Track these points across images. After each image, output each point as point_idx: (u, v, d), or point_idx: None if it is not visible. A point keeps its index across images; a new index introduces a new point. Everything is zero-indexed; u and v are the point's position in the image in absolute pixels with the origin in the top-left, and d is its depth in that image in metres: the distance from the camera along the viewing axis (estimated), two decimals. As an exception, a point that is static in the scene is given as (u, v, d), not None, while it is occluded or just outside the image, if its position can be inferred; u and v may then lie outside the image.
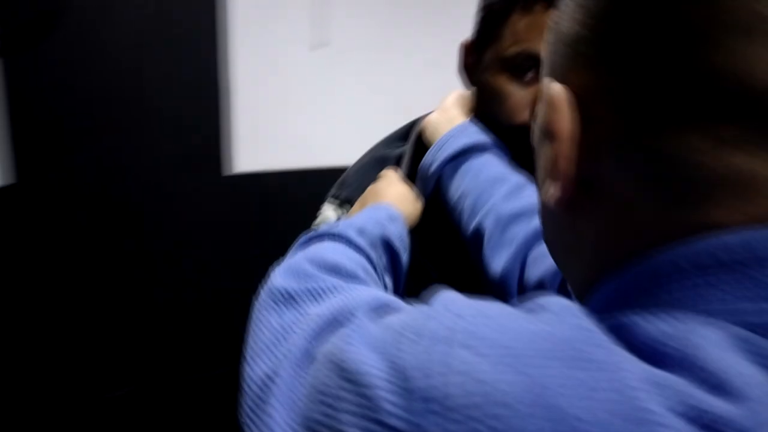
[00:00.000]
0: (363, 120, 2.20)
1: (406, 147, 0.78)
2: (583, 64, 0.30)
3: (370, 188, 0.71)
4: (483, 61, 0.68)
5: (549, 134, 0.31)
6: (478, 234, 0.63)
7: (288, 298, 0.39)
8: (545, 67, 0.34)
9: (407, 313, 0.30)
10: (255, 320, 0.40)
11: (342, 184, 0.77)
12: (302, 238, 0.55)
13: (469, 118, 0.72)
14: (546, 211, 0.35)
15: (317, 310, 0.36)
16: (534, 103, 0.65)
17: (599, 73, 0.29)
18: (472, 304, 0.28)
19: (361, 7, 2.11)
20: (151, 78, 1.74)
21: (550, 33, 0.34)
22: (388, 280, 0.57)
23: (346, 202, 0.75)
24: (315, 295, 0.39)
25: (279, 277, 0.43)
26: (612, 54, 0.28)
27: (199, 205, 1.90)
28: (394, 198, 0.67)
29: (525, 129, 0.64)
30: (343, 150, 2.10)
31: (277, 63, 1.94)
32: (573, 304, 0.27)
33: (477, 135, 0.68)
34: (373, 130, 2.38)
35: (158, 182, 1.81)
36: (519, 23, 0.63)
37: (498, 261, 0.61)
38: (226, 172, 1.91)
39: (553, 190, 0.31)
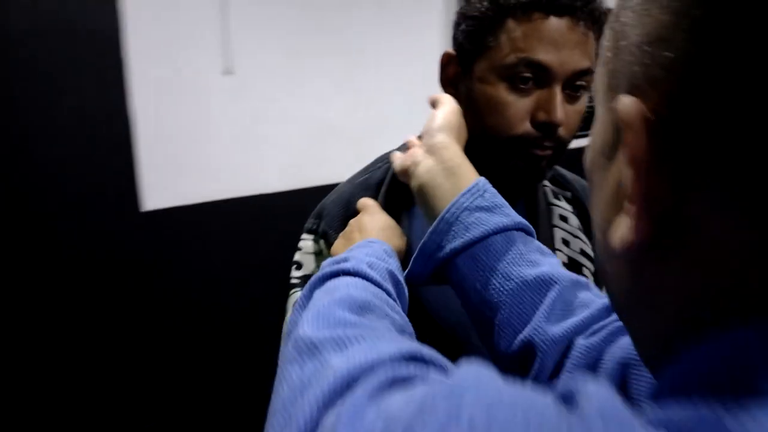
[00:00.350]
0: (277, 146, 2.18)
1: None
2: (664, 70, 0.23)
3: (354, 222, 0.68)
4: (473, 71, 0.66)
5: (618, 160, 0.26)
6: (525, 358, 0.50)
7: (312, 348, 0.36)
8: (605, 79, 0.28)
9: (419, 396, 0.25)
10: (278, 374, 0.37)
11: (319, 216, 0.74)
12: (315, 277, 0.52)
13: (471, 171, 0.59)
14: (612, 254, 0.28)
15: (337, 362, 0.32)
16: (532, 113, 0.63)
17: (688, 81, 0.22)
18: (506, 398, 0.23)
19: (267, 32, 2.10)
20: (56, 116, 1.66)
21: (611, 35, 0.28)
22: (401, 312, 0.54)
23: (322, 235, 0.73)
24: (339, 343, 0.35)
25: (306, 324, 0.39)
26: (708, 55, 0.21)
27: (116, 243, 1.79)
28: (381, 232, 0.64)
29: (524, 140, 0.64)
30: (260, 177, 2.11)
31: (185, 91, 1.89)
32: (618, 402, 0.21)
33: (495, 213, 0.54)
34: (288, 155, 2.29)
35: (71, 219, 1.72)
36: (516, 31, 0.62)
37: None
38: (141, 209, 1.82)
39: (626, 230, 0.25)
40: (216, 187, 2.03)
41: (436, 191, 0.57)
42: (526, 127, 0.64)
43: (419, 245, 0.57)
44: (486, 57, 0.64)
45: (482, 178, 0.57)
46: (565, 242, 0.76)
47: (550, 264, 0.52)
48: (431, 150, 0.61)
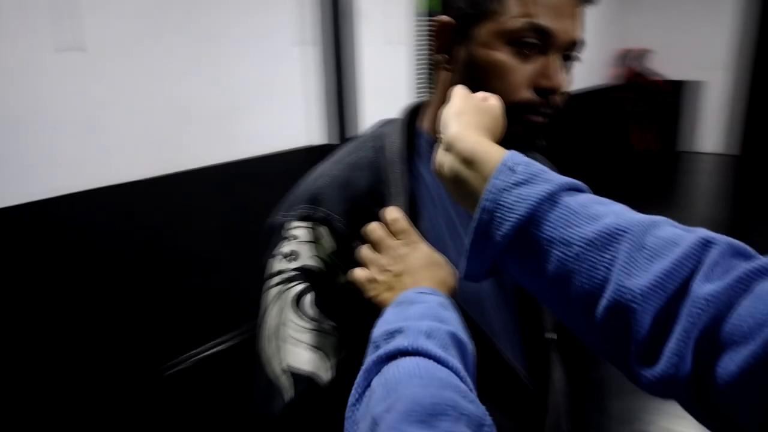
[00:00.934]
0: (125, 132, 2.07)
1: (385, 161, 0.71)
2: None
3: (394, 254, 0.62)
4: (474, 36, 0.66)
5: None
6: (612, 322, 0.42)
7: None
8: None
9: None
10: None
11: (314, 201, 0.70)
12: (370, 360, 0.47)
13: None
14: None
15: None
16: (533, 79, 0.64)
17: None
18: None
19: (115, 6, 1.95)
20: None
21: None
22: (470, 382, 0.48)
23: (323, 221, 0.68)
24: None
25: None
26: None
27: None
28: (429, 271, 0.60)
29: (525, 106, 0.64)
30: (108, 167, 1.95)
31: (13, 71, 1.65)
32: None
33: (535, 183, 0.47)
34: (139, 141, 2.21)
35: None
36: None
37: (650, 359, 0.40)
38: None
39: None
40: (57, 183, 1.82)
41: (465, 187, 0.52)
42: (528, 93, 0.65)
43: (467, 244, 0.50)
44: (490, 21, 0.64)
45: (509, 153, 0.51)
46: None
47: (613, 213, 0.44)
48: (447, 146, 0.56)
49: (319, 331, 0.66)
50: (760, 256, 0.39)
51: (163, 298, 2.53)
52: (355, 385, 0.46)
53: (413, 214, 0.67)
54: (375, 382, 0.44)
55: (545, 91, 0.64)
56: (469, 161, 0.52)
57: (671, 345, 0.38)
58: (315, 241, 0.68)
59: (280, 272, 0.70)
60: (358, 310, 0.67)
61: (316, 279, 0.67)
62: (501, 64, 0.64)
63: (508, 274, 0.51)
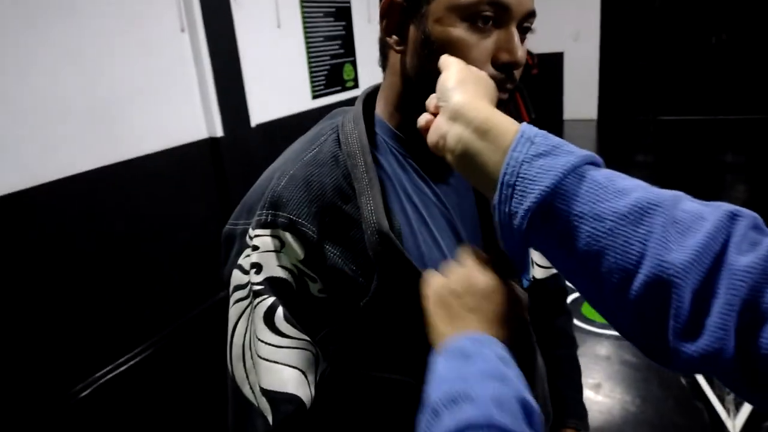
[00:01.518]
0: None
1: (345, 154, 0.65)
2: None
3: (455, 285, 0.55)
4: (426, 13, 0.62)
5: None
6: (649, 300, 0.41)
7: None
8: None
9: None
10: None
11: (274, 206, 0.63)
12: (432, 429, 0.42)
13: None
14: None
15: None
16: (493, 54, 0.61)
17: None
18: None
19: None
20: None
21: None
22: None
23: (288, 227, 0.61)
24: None
25: None
26: None
27: None
28: (488, 305, 0.52)
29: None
30: None
31: None
32: None
33: (556, 156, 0.46)
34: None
35: None
36: None
37: (692, 334, 0.40)
38: None
39: None
40: None
41: (477, 159, 0.48)
42: (489, 69, 0.61)
43: (496, 226, 0.47)
44: None
45: (524, 124, 0.48)
46: None
47: (640, 187, 0.43)
48: (454, 115, 0.51)
49: (294, 348, 0.61)
50: None
51: (53, 322, 2.27)
52: None
53: (386, 207, 0.63)
54: None
55: (507, 66, 0.61)
56: (483, 131, 0.48)
57: (714, 318, 0.38)
58: (279, 249, 0.62)
59: (243, 286, 0.63)
60: (335, 320, 0.63)
61: (285, 291, 0.61)
62: (459, 41, 0.60)
63: (538, 248, 0.47)
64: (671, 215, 0.41)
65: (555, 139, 0.47)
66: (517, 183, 0.45)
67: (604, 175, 0.44)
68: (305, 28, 3.94)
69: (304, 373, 0.61)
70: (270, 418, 0.60)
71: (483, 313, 0.52)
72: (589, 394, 2.26)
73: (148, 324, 2.75)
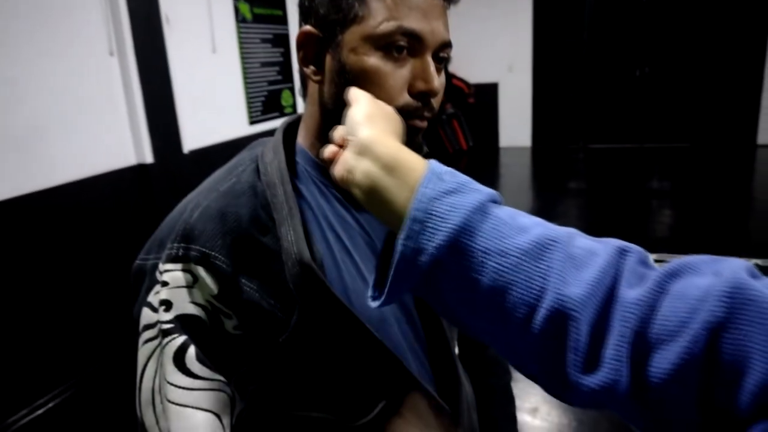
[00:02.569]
0: None
1: (265, 184, 0.63)
2: None
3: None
4: (342, 43, 0.62)
5: None
6: (550, 336, 0.42)
7: None
8: None
9: None
10: None
11: (186, 239, 0.60)
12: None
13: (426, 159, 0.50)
14: None
15: None
16: (409, 83, 0.61)
17: None
18: None
19: None
20: None
21: None
22: None
23: (200, 260, 0.59)
24: None
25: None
26: None
27: None
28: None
29: (405, 111, 0.61)
30: None
31: None
32: None
33: (468, 186, 0.47)
34: None
35: None
36: (387, 0, 0.59)
37: (588, 367, 0.41)
38: None
39: None
40: None
41: (385, 194, 0.48)
42: (406, 97, 0.62)
43: (394, 259, 0.46)
44: (356, 26, 0.60)
45: (432, 161, 0.49)
46: None
47: (539, 224, 0.46)
48: (362, 150, 0.51)
49: (207, 389, 0.58)
50: (656, 266, 0.42)
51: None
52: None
53: (306, 237, 0.61)
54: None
55: (423, 95, 0.62)
56: (390, 167, 0.48)
57: (610, 350, 0.39)
58: (192, 285, 0.59)
59: (153, 325, 0.60)
60: (253, 358, 0.60)
61: (197, 329, 0.58)
62: (375, 70, 0.60)
63: (437, 288, 0.47)
64: (568, 251, 0.43)
65: (462, 177, 0.48)
66: (427, 219, 0.45)
67: (506, 212, 0.46)
68: (242, 53, 3.90)
69: (218, 416, 0.58)
70: None
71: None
72: (526, 419, 2.28)
73: (69, 363, 2.57)
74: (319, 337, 0.59)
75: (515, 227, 0.45)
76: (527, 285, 0.42)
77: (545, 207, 5.10)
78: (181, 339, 0.58)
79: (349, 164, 0.51)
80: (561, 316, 0.41)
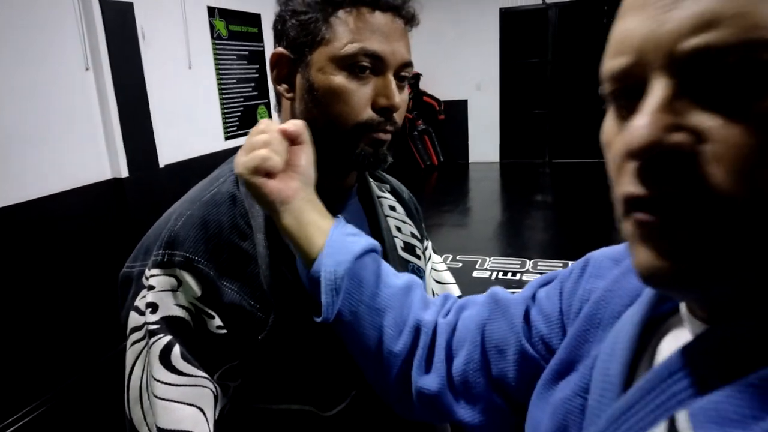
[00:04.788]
0: None
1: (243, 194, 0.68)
2: None
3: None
4: (310, 63, 0.66)
5: None
6: (410, 351, 0.62)
7: None
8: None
9: None
10: None
11: (170, 246, 0.64)
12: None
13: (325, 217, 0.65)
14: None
15: None
16: (372, 99, 0.66)
17: None
18: None
19: None
20: None
21: None
22: None
23: (185, 265, 0.63)
24: None
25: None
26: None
27: None
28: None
29: (369, 125, 0.66)
30: None
31: None
32: None
33: (361, 237, 0.64)
34: None
35: None
36: (349, 23, 0.64)
37: (425, 374, 0.62)
38: None
39: None
40: None
41: (299, 247, 0.63)
42: (369, 113, 0.66)
43: (322, 280, 0.60)
44: (323, 48, 0.66)
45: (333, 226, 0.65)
46: (398, 229, 0.82)
47: (404, 273, 0.67)
48: (284, 201, 0.63)
49: (192, 385, 0.61)
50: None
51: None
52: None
53: (281, 243, 0.66)
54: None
55: (385, 110, 0.67)
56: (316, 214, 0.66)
57: (436, 358, 0.61)
58: (176, 288, 0.62)
59: (140, 327, 0.63)
60: (234, 356, 0.64)
61: (181, 329, 0.62)
62: (340, 88, 0.65)
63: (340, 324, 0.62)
64: (421, 293, 0.66)
65: (357, 230, 0.66)
66: (340, 247, 0.62)
67: (383, 260, 0.66)
68: (217, 69, 3.94)
69: (201, 410, 0.61)
70: None
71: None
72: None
73: (44, 377, 2.54)
74: (294, 335, 0.64)
75: (392, 272, 0.65)
76: (401, 312, 0.62)
77: (513, 219, 5.23)
78: (166, 338, 0.61)
79: (280, 208, 0.63)
80: (418, 333, 0.62)
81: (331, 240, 0.61)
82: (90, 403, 2.57)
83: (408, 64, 0.69)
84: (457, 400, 0.59)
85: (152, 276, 0.62)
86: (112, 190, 3.00)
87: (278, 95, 0.73)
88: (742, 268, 0.29)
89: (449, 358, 0.60)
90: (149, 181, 3.18)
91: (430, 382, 0.60)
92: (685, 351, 0.33)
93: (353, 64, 0.64)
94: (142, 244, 0.68)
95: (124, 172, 3.01)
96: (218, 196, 0.67)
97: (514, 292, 0.62)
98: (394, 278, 0.64)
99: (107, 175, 2.98)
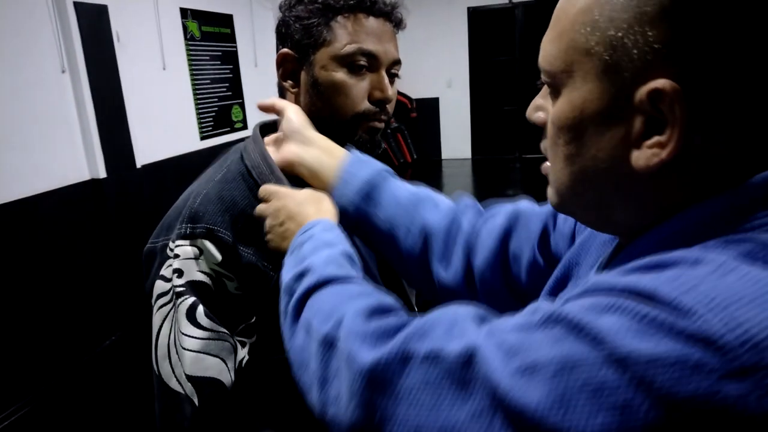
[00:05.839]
0: None
1: (248, 167, 0.77)
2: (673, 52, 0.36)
3: (274, 212, 0.70)
4: (314, 62, 0.77)
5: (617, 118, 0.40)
6: (425, 254, 0.73)
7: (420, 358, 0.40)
8: (593, 62, 0.40)
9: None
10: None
11: (192, 220, 0.72)
12: (290, 304, 0.57)
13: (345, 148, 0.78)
14: (622, 177, 0.41)
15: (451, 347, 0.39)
16: (368, 92, 0.78)
17: (696, 57, 0.36)
18: None
19: None
20: None
21: (589, 26, 0.40)
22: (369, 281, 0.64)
23: (206, 234, 0.71)
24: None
25: (364, 352, 0.43)
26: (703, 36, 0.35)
27: None
28: (309, 207, 0.70)
29: (366, 115, 0.78)
30: None
31: None
32: None
33: (369, 162, 0.76)
34: None
35: None
36: (348, 26, 0.75)
37: (444, 271, 0.71)
38: None
39: (653, 158, 0.38)
40: None
41: (324, 169, 0.75)
42: (366, 104, 0.78)
43: (344, 183, 0.74)
44: (325, 48, 0.76)
45: (352, 148, 0.78)
46: None
47: (417, 188, 0.78)
48: (307, 141, 0.77)
49: (215, 339, 0.70)
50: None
51: None
52: (285, 327, 0.57)
53: None
54: (305, 316, 0.54)
55: (380, 102, 0.78)
56: (330, 153, 0.76)
57: (457, 251, 0.71)
58: (198, 256, 0.70)
59: (166, 292, 0.71)
60: (250, 314, 0.73)
61: (204, 292, 0.70)
62: (341, 83, 0.76)
63: (361, 223, 0.74)
64: (432, 198, 0.76)
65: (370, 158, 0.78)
66: (359, 168, 0.75)
67: (398, 183, 0.77)
68: (191, 70, 3.97)
69: (223, 360, 0.70)
70: (196, 400, 0.68)
71: (309, 214, 0.70)
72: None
73: (26, 378, 2.56)
74: None
75: (405, 187, 0.76)
76: (410, 219, 0.73)
77: (486, 214, 5.36)
78: (192, 299, 0.70)
79: (298, 153, 0.76)
80: (427, 234, 0.72)
81: (343, 172, 0.74)
82: (74, 403, 2.60)
83: (397, 62, 0.81)
84: (476, 294, 0.70)
85: (177, 246, 0.71)
86: (90, 191, 3.02)
87: (283, 90, 0.83)
88: (575, 205, 0.48)
89: (468, 257, 0.70)
90: (127, 182, 3.21)
91: (449, 276, 0.70)
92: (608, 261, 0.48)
93: (352, 62, 0.76)
94: (164, 222, 0.76)
95: (102, 173, 3.04)
96: (228, 174, 0.76)
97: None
98: (403, 190, 0.75)
99: (85, 176, 3.01)
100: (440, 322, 0.42)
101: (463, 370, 0.37)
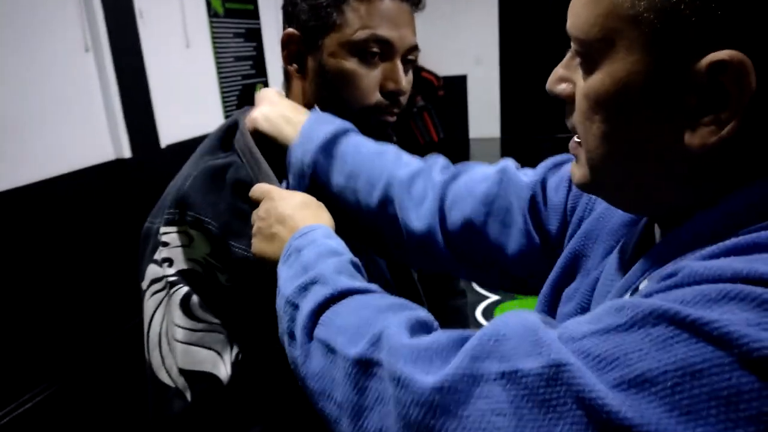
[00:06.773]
0: None
1: (239, 152, 0.72)
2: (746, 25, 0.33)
3: (264, 214, 0.65)
4: (322, 46, 0.70)
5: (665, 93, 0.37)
6: (385, 204, 0.68)
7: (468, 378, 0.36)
8: (649, 37, 0.35)
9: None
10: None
11: (180, 205, 0.68)
12: (300, 320, 0.50)
13: (312, 107, 0.74)
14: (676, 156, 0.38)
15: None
16: (380, 83, 0.70)
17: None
18: None
19: None
20: None
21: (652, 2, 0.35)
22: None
23: (193, 224, 0.67)
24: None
25: (420, 374, 0.37)
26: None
27: None
28: (305, 213, 0.64)
29: (377, 108, 0.71)
30: None
31: None
32: None
33: (334, 119, 0.71)
34: None
35: None
36: (361, 10, 0.68)
37: (416, 219, 0.66)
38: None
39: (712, 137, 0.35)
40: None
41: (288, 125, 0.73)
42: (377, 96, 0.71)
43: (290, 162, 0.71)
44: (335, 33, 0.69)
45: (317, 108, 0.74)
46: None
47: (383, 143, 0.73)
48: (274, 103, 0.75)
49: (209, 331, 0.67)
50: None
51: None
52: (295, 348, 0.50)
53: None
54: (321, 335, 0.47)
55: (392, 94, 0.71)
56: (297, 111, 0.75)
57: (427, 204, 0.66)
58: (188, 245, 0.67)
59: (159, 279, 0.68)
60: (243, 306, 0.69)
61: (196, 281, 0.67)
62: (351, 72, 0.69)
63: (322, 177, 0.71)
64: (396, 151, 0.71)
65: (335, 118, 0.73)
66: (319, 124, 0.72)
67: (360, 138, 0.72)
68: (215, 48, 3.93)
69: (219, 353, 0.67)
70: (188, 395, 0.65)
71: (302, 219, 0.64)
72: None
73: (50, 362, 2.60)
74: None
75: (369, 142, 0.70)
76: (372, 173, 0.68)
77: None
78: (185, 289, 0.67)
79: (263, 112, 0.74)
80: (390, 186, 0.67)
81: (304, 130, 0.70)
82: (98, 383, 2.64)
83: (414, 48, 0.72)
84: (449, 246, 0.66)
85: (165, 233, 0.67)
86: (115, 171, 3.03)
87: (288, 74, 0.77)
88: (606, 183, 0.44)
89: (442, 210, 0.66)
90: (152, 161, 3.21)
91: (420, 225, 0.67)
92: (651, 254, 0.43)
93: (364, 50, 0.69)
94: (161, 200, 0.73)
95: (127, 153, 3.04)
96: (218, 162, 0.72)
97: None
98: (366, 143, 0.71)
99: (111, 157, 3.01)
100: (508, 335, 0.36)
101: (548, 389, 0.32)
